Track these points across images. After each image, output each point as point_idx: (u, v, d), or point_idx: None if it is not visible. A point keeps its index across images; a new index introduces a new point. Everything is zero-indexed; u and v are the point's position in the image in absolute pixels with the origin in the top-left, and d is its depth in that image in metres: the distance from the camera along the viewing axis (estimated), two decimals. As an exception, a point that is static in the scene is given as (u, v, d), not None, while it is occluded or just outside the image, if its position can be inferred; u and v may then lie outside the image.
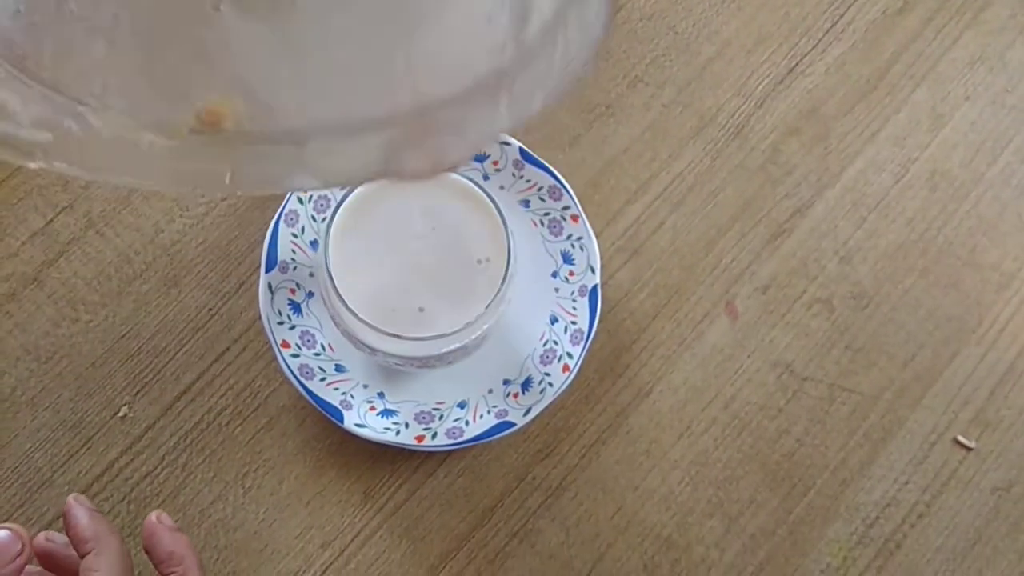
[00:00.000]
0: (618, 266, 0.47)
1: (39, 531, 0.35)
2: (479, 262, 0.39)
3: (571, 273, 0.44)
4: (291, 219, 0.43)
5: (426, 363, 0.39)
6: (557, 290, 0.44)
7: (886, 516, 0.44)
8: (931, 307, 0.47)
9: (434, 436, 0.42)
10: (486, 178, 0.45)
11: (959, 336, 0.46)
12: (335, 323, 0.39)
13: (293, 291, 0.43)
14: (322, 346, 0.43)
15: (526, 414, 0.42)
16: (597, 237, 0.44)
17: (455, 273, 0.39)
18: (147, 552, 0.33)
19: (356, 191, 0.38)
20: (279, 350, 0.41)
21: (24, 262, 0.45)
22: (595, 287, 0.43)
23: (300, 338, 0.43)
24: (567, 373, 0.42)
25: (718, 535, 0.44)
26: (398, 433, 0.42)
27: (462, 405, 0.43)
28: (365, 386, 0.43)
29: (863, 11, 0.51)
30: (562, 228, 0.44)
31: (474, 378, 0.43)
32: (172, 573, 0.33)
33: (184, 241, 0.46)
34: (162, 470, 0.43)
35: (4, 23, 0.20)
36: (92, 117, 0.20)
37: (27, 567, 0.32)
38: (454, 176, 0.39)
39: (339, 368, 0.43)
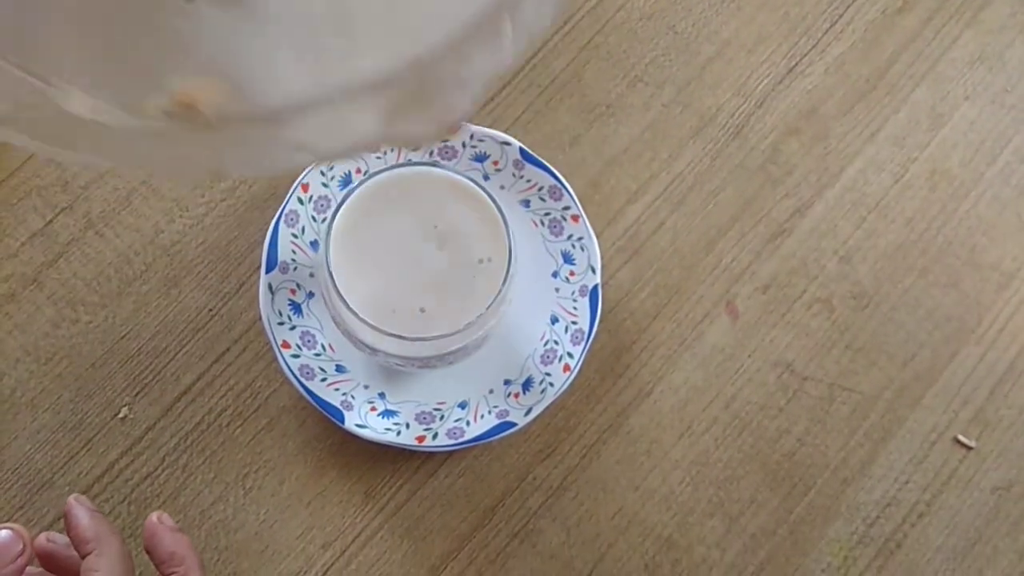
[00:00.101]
0: (618, 266, 0.47)
1: (40, 532, 0.35)
2: (480, 262, 0.39)
3: (572, 273, 0.44)
4: (291, 219, 0.43)
5: (427, 363, 0.39)
6: (558, 290, 0.44)
7: (886, 515, 0.44)
8: (931, 307, 0.47)
9: (435, 436, 0.42)
10: (486, 178, 0.45)
11: (959, 336, 0.47)
12: (336, 323, 0.39)
13: (293, 291, 0.43)
14: (323, 346, 0.43)
15: (527, 414, 0.42)
16: (597, 237, 0.44)
17: (456, 273, 0.39)
18: (148, 553, 0.33)
19: (356, 192, 0.38)
20: (279, 351, 0.41)
21: (24, 263, 0.45)
22: (596, 287, 0.43)
23: (301, 338, 0.42)
24: (568, 373, 0.42)
25: (719, 535, 0.44)
26: (399, 433, 0.42)
27: (463, 405, 0.43)
28: (366, 386, 0.43)
29: (862, 11, 0.51)
30: (562, 228, 0.44)
31: (475, 378, 0.43)
32: (173, 573, 0.33)
33: (184, 242, 0.46)
34: (162, 471, 0.43)
35: None
36: (54, 92, 0.20)
37: (28, 568, 0.32)
38: (455, 176, 0.39)
39: (340, 369, 0.43)
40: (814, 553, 0.44)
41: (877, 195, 0.48)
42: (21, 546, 0.31)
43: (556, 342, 0.43)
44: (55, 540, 0.34)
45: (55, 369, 0.44)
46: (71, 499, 0.32)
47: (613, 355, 0.45)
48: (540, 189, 0.44)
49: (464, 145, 0.44)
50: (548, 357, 0.43)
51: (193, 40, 0.20)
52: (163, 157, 0.22)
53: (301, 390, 0.41)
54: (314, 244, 0.44)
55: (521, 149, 0.44)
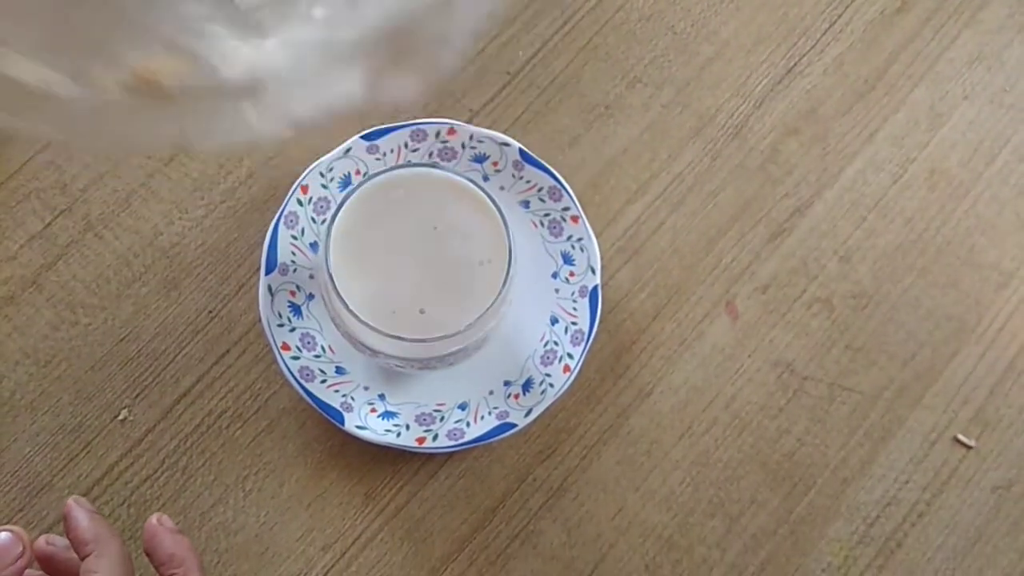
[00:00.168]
0: (618, 266, 0.47)
1: (39, 535, 0.35)
2: (480, 263, 0.39)
3: (571, 274, 0.44)
4: (291, 221, 0.43)
5: (427, 365, 0.39)
6: (557, 291, 0.44)
7: (887, 515, 0.44)
8: (930, 306, 0.47)
9: (435, 438, 0.42)
10: (486, 179, 0.45)
11: (959, 335, 0.47)
12: (336, 325, 0.39)
13: (293, 293, 0.43)
14: (322, 348, 0.43)
15: (527, 415, 0.42)
16: (597, 238, 0.44)
17: (456, 274, 0.39)
18: (148, 554, 0.33)
19: (356, 193, 0.38)
20: (279, 352, 0.41)
21: (22, 265, 0.45)
22: (595, 288, 0.43)
23: (300, 340, 0.42)
24: (568, 374, 0.42)
25: (719, 535, 0.44)
26: (399, 435, 0.41)
27: (463, 406, 0.43)
28: (366, 388, 0.43)
29: (861, 11, 0.51)
30: (562, 229, 0.44)
31: (475, 379, 0.43)
32: (173, 575, 0.33)
33: (183, 243, 0.46)
34: (162, 473, 0.43)
35: None
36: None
37: (27, 571, 0.32)
38: (454, 177, 0.39)
39: (340, 370, 0.43)
40: (814, 553, 0.44)
41: (876, 195, 0.48)
42: (21, 548, 0.31)
43: (556, 343, 0.43)
44: (54, 542, 0.34)
45: (54, 371, 0.44)
46: (70, 501, 0.32)
47: (613, 356, 0.45)
48: (540, 190, 0.44)
49: (464, 146, 0.44)
50: (548, 358, 0.43)
51: (154, 16, 0.20)
52: (120, 131, 0.22)
53: (301, 392, 0.41)
54: (314, 246, 0.44)
55: (520, 150, 0.44)
